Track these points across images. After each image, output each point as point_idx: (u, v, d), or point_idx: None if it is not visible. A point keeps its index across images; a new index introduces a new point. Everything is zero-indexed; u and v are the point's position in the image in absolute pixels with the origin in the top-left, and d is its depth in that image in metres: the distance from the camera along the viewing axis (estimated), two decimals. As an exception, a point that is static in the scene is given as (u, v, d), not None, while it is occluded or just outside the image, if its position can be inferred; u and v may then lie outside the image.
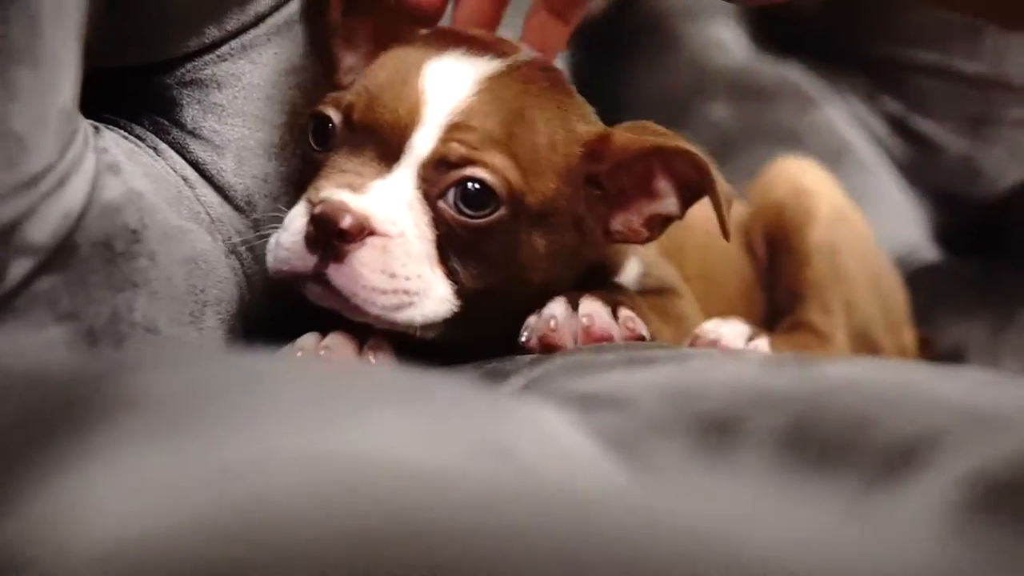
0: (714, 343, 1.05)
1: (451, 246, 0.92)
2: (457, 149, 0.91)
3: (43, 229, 0.81)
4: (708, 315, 1.13)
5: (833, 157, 1.43)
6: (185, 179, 0.97)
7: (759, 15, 1.52)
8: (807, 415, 0.64)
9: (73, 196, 0.84)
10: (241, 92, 0.99)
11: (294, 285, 0.92)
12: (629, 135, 0.97)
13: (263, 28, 1.00)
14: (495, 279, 0.94)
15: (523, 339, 0.95)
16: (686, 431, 0.65)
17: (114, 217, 0.87)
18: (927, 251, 1.51)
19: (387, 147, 0.92)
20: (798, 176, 1.20)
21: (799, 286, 1.18)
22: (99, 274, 0.85)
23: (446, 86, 0.93)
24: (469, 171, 0.91)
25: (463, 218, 0.92)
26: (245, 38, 0.99)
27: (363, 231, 0.88)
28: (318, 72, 1.04)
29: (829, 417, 0.64)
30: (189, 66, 0.97)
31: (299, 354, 0.93)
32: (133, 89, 0.97)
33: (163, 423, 0.47)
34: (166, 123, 0.98)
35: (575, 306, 0.95)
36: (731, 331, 1.06)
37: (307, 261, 0.89)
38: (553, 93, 0.98)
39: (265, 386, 0.56)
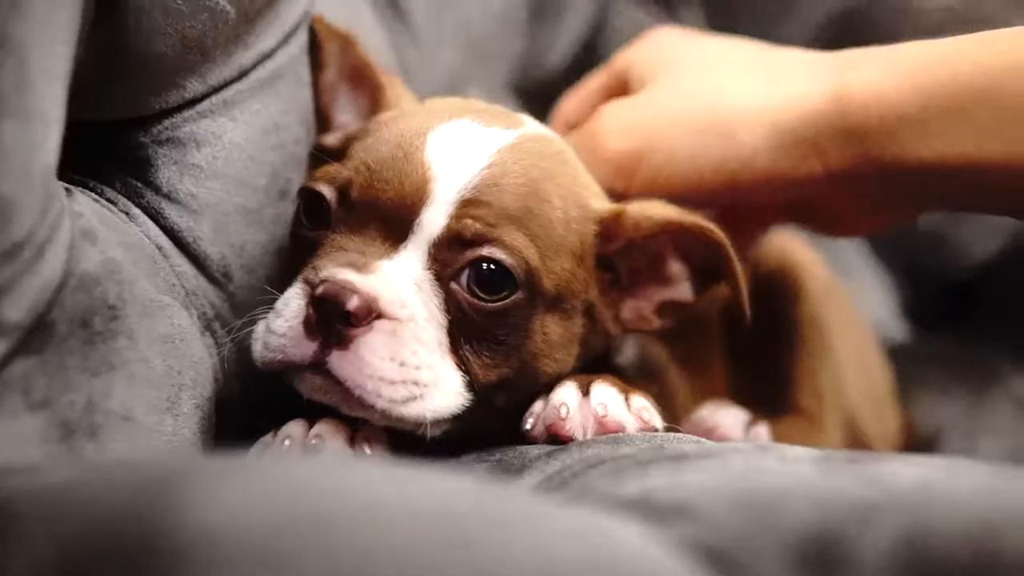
0: (711, 431, 1.00)
1: (463, 332, 0.85)
2: (472, 226, 0.84)
3: (19, 306, 0.71)
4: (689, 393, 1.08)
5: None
6: (159, 247, 0.87)
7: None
8: (914, 532, 0.59)
9: (51, 267, 0.74)
10: (221, 152, 0.90)
11: (284, 376, 0.83)
12: (643, 212, 0.91)
13: (246, 83, 0.92)
14: (508, 369, 0.87)
15: (528, 427, 0.88)
16: (780, 549, 0.59)
17: (92, 290, 0.77)
18: (894, 327, 1.49)
19: (392, 225, 0.84)
20: (785, 251, 1.17)
21: (788, 366, 1.14)
22: (76, 356, 0.75)
23: (455, 159, 0.85)
24: (486, 251, 0.84)
25: (477, 301, 0.84)
26: (227, 93, 0.91)
27: (370, 313, 0.80)
28: (298, 132, 0.96)
29: (940, 533, 0.59)
30: (167, 123, 0.88)
31: (286, 444, 0.84)
32: (104, 147, 0.87)
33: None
34: (139, 185, 0.88)
35: (585, 391, 0.88)
36: (729, 419, 1.02)
37: (305, 349, 0.80)
38: (564, 166, 0.92)
39: None
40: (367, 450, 0.85)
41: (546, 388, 0.90)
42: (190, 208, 0.89)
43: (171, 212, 0.88)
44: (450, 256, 0.84)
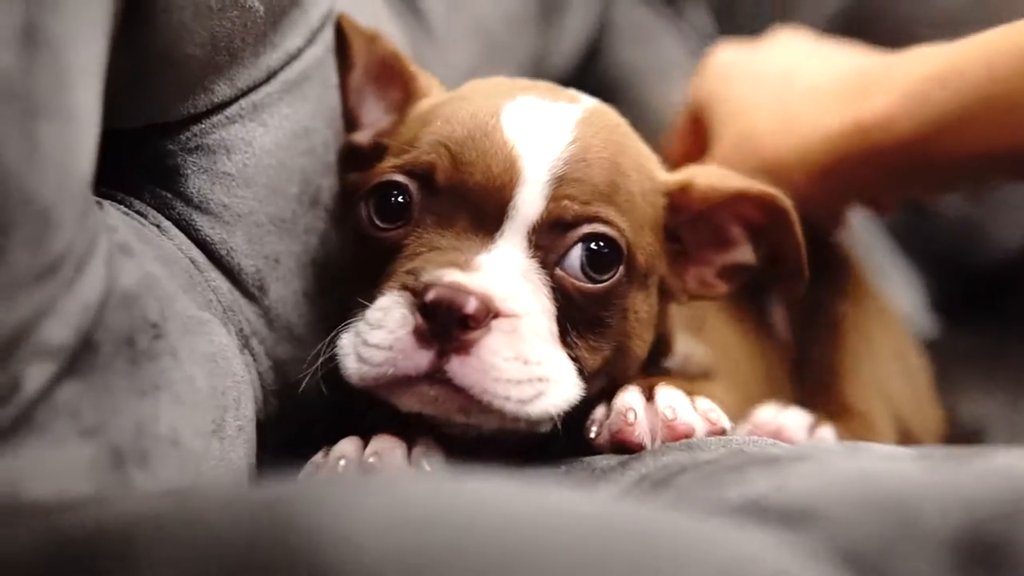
0: (776, 434, 0.96)
1: (569, 319, 0.80)
2: (571, 207, 0.79)
3: (64, 326, 0.65)
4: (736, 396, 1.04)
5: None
6: (193, 261, 0.82)
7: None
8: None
9: (92, 284, 0.68)
10: (252, 158, 0.85)
11: (380, 392, 0.78)
12: (711, 182, 0.88)
13: (275, 85, 0.87)
14: (609, 353, 0.83)
15: (592, 435, 0.84)
16: (933, 552, 0.55)
17: (133, 308, 0.72)
18: (924, 322, 1.46)
19: (484, 212, 0.79)
20: (822, 249, 1.13)
21: (832, 364, 1.10)
22: (122, 377, 0.70)
23: (537, 136, 0.81)
24: (590, 228, 0.80)
25: (585, 284, 0.80)
26: (256, 97, 0.86)
27: (488, 314, 0.75)
28: (327, 136, 0.91)
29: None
30: (195, 129, 0.83)
31: (341, 464, 0.79)
32: (131, 157, 0.82)
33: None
34: (169, 196, 0.83)
35: (649, 395, 0.84)
36: (792, 420, 0.98)
37: (419, 360, 0.75)
38: (630, 138, 0.88)
39: None
40: (426, 465, 0.80)
41: (606, 395, 0.85)
42: (222, 219, 0.84)
43: (203, 223, 0.83)
44: (552, 240, 0.80)
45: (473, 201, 0.79)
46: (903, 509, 0.58)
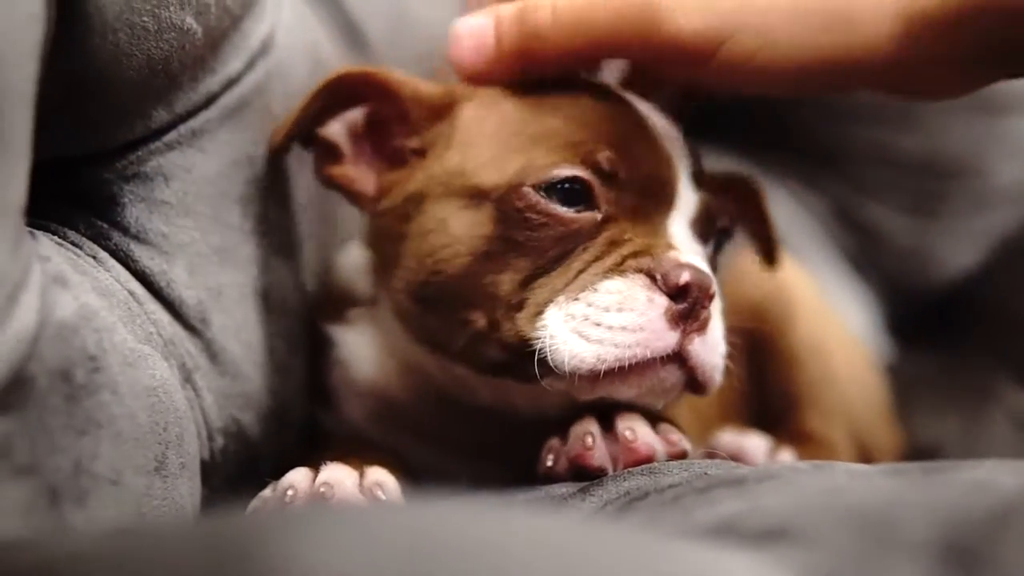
0: (735, 457, 0.94)
1: None
2: (712, 199, 0.84)
3: (-5, 359, 0.62)
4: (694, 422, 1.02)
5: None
6: (132, 293, 0.79)
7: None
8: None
9: (25, 316, 0.65)
10: (192, 187, 0.82)
11: (602, 383, 0.77)
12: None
13: (215, 110, 0.84)
14: None
15: (549, 463, 0.82)
16: (914, 566, 0.53)
17: (70, 340, 0.69)
18: (877, 344, 1.45)
19: (655, 202, 0.82)
20: (775, 273, 1.12)
21: (792, 390, 1.09)
22: (59, 414, 0.66)
23: (669, 130, 0.85)
24: (722, 222, 0.86)
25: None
26: (195, 123, 0.83)
27: (713, 295, 0.78)
28: (271, 163, 0.89)
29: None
30: (133, 156, 0.80)
31: (289, 494, 0.76)
32: (65, 186, 0.79)
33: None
34: (105, 226, 0.80)
35: (608, 423, 0.82)
36: (752, 444, 0.97)
37: (669, 340, 0.77)
38: None
39: None
40: (380, 494, 0.77)
41: (559, 427, 0.83)
42: (161, 249, 0.81)
43: (141, 254, 0.80)
44: (706, 229, 0.84)
45: (648, 192, 0.81)
46: (882, 523, 0.57)
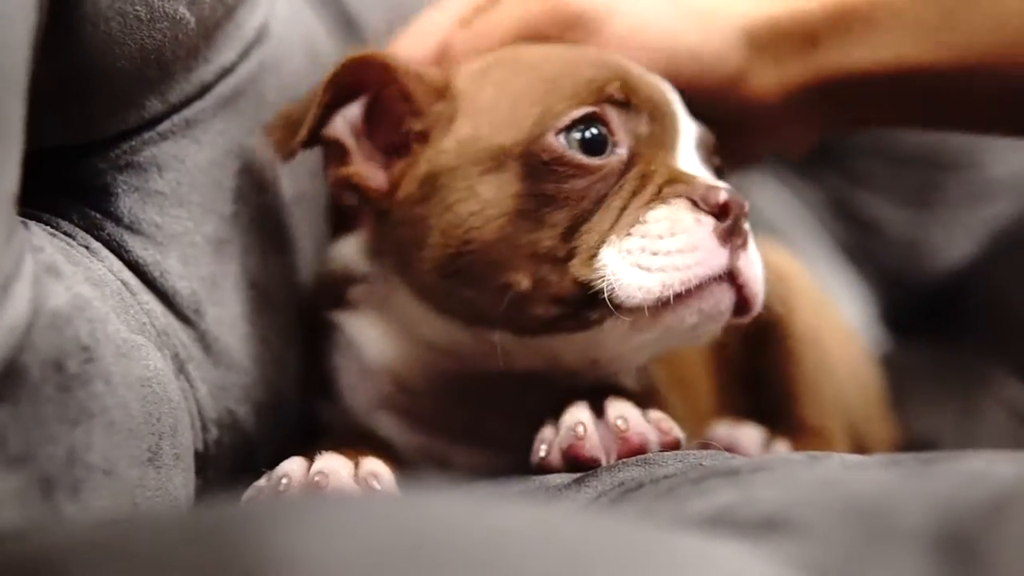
0: (729, 448, 0.94)
1: None
2: (707, 131, 0.87)
3: (-13, 349, 0.62)
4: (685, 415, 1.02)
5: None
6: (125, 284, 0.79)
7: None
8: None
9: (18, 305, 0.65)
10: (185, 177, 0.82)
11: (666, 310, 0.78)
12: None
13: (208, 100, 0.84)
14: None
15: (542, 455, 0.81)
16: (909, 556, 0.53)
17: (63, 330, 0.68)
18: (873, 336, 1.45)
19: (664, 129, 0.84)
20: (770, 264, 1.12)
21: (788, 381, 1.09)
22: (53, 404, 0.66)
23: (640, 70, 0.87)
24: (718, 159, 0.88)
25: None
26: (188, 112, 0.83)
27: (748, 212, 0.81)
28: (265, 153, 0.88)
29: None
30: (126, 146, 0.80)
31: (283, 483, 0.76)
32: (58, 176, 0.79)
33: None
34: (99, 216, 0.79)
35: (599, 410, 0.82)
36: (746, 436, 0.96)
37: (721, 257, 0.78)
38: None
39: None
40: (375, 484, 0.77)
41: (553, 413, 0.83)
42: (155, 240, 0.81)
43: (135, 244, 0.80)
44: (705, 161, 0.87)
45: (657, 117, 0.83)
46: (878, 513, 0.56)
